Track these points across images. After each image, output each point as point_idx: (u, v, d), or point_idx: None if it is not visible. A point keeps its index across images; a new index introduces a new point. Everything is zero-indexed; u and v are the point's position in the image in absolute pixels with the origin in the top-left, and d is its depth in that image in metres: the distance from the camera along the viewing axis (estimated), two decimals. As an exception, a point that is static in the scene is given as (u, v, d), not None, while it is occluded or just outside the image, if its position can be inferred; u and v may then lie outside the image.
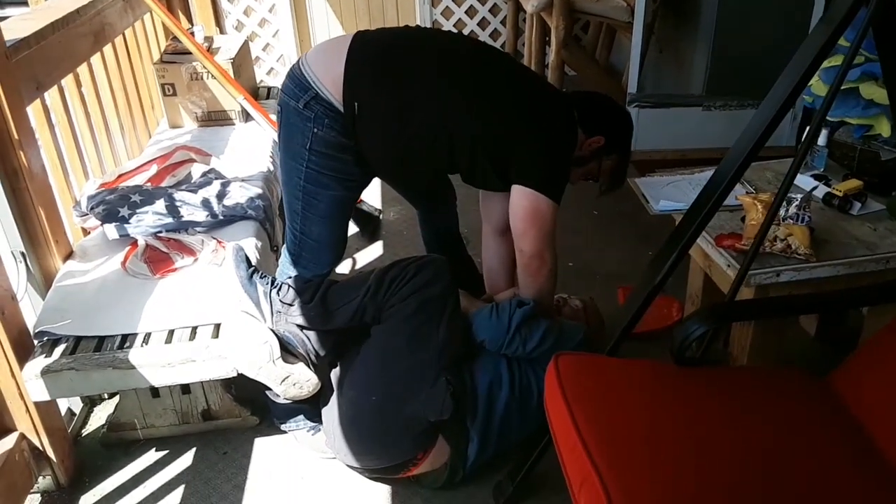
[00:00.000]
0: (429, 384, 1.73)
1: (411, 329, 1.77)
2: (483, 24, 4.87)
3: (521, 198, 1.82)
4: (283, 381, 1.79)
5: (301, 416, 1.94)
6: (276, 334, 1.81)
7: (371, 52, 1.83)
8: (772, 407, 1.41)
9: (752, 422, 1.37)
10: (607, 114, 1.97)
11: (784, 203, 1.77)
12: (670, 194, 2.14)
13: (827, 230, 1.88)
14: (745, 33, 3.42)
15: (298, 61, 1.86)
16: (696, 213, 1.49)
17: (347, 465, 1.89)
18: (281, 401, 1.88)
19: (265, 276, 1.91)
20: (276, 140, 2.12)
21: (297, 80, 1.82)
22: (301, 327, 1.87)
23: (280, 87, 1.92)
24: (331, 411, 1.85)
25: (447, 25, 4.83)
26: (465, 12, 4.80)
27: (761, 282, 1.74)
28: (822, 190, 2.02)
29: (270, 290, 1.88)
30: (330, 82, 1.78)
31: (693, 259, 2.15)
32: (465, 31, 4.82)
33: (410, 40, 1.92)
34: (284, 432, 2.00)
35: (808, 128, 2.18)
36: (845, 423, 1.40)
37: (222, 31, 3.76)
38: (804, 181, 2.07)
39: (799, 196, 1.86)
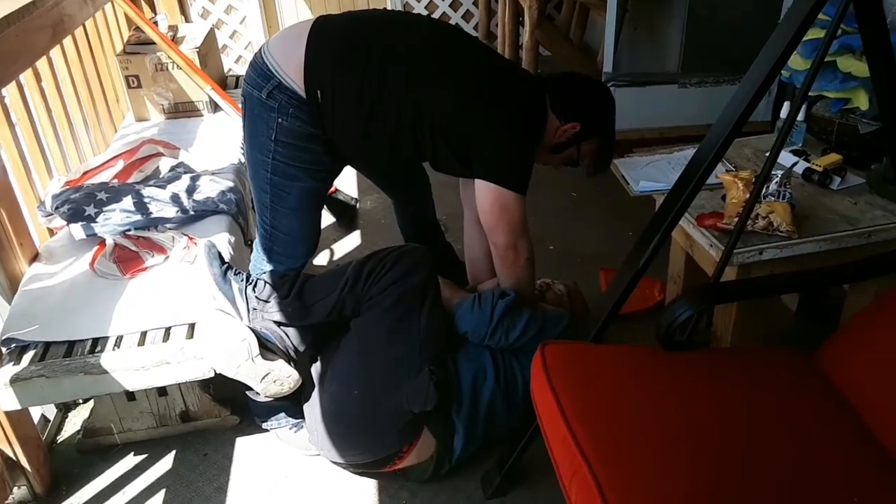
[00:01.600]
0: (411, 376, 1.71)
1: (391, 320, 1.74)
2: (455, 5, 4.80)
3: (486, 193, 1.79)
4: (263, 378, 1.76)
5: (283, 414, 1.90)
6: (253, 331, 1.77)
7: (332, 36, 1.77)
8: (761, 389, 1.40)
9: (741, 404, 1.36)
10: (583, 97, 1.91)
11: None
12: (650, 175, 2.12)
13: (808, 206, 1.86)
14: (718, 9, 3.39)
15: (260, 49, 1.80)
16: (678, 193, 1.47)
17: (332, 461, 1.86)
18: (261, 399, 1.84)
19: (239, 273, 1.86)
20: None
21: (259, 69, 1.77)
22: (279, 323, 1.82)
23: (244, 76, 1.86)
24: (312, 407, 1.82)
25: (419, 8, 4.75)
26: (437, -6, 4.73)
27: (744, 260, 1.73)
28: (801, 166, 2.01)
29: (245, 287, 1.83)
30: (292, 70, 1.73)
31: (674, 239, 2.14)
32: (437, 14, 4.76)
33: (372, 24, 1.86)
34: (266, 431, 1.96)
35: (786, 102, 2.17)
36: (834, 401, 1.39)
37: (187, 20, 3.66)
38: (783, 157, 2.05)
39: (779, 173, 1.85)
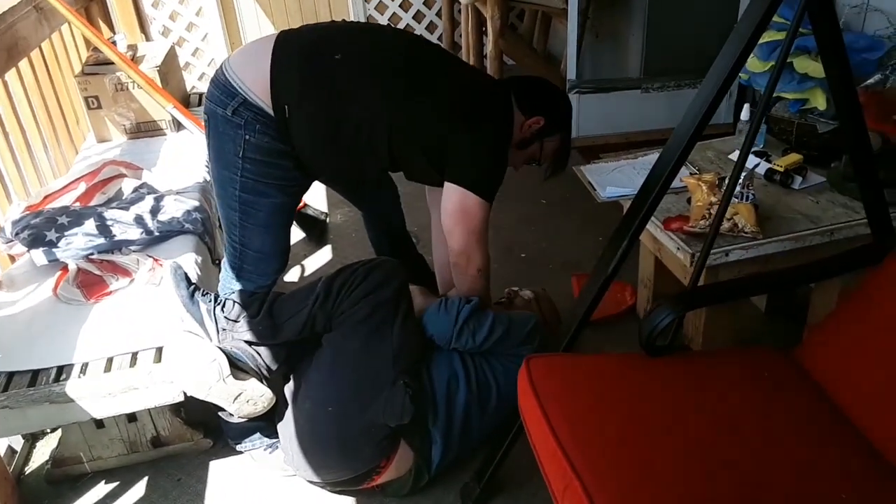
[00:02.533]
0: (386, 389, 1.69)
1: (364, 334, 1.72)
2: (418, 16, 4.81)
3: (451, 194, 1.79)
4: (236, 398, 1.73)
5: (257, 435, 1.87)
6: (223, 351, 1.74)
7: (296, 50, 1.76)
8: (745, 388, 1.41)
9: (727, 405, 1.37)
10: (545, 94, 1.95)
11: (726, 182, 1.77)
12: (616, 180, 2.14)
13: (771, 206, 1.89)
14: (677, 14, 3.46)
15: (221, 66, 1.78)
16: (643, 198, 1.47)
17: (309, 481, 1.83)
18: (234, 421, 1.81)
19: (207, 294, 1.83)
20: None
21: (222, 86, 1.74)
22: (249, 343, 1.80)
23: (205, 94, 1.84)
24: (287, 426, 1.79)
25: (381, 20, 4.75)
26: (400, 6, 4.73)
27: (711, 262, 1.75)
28: (763, 166, 2.04)
29: (214, 308, 1.80)
30: (257, 87, 1.71)
31: (643, 243, 2.15)
32: (401, 25, 4.76)
33: (337, 35, 1.84)
34: (241, 453, 1.92)
35: (745, 104, 2.21)
36: (815, 396, 1.41)
37: (148, 38, 3.62)
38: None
39: (742, 174, 1.87)
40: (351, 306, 1.72)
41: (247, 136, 1.74)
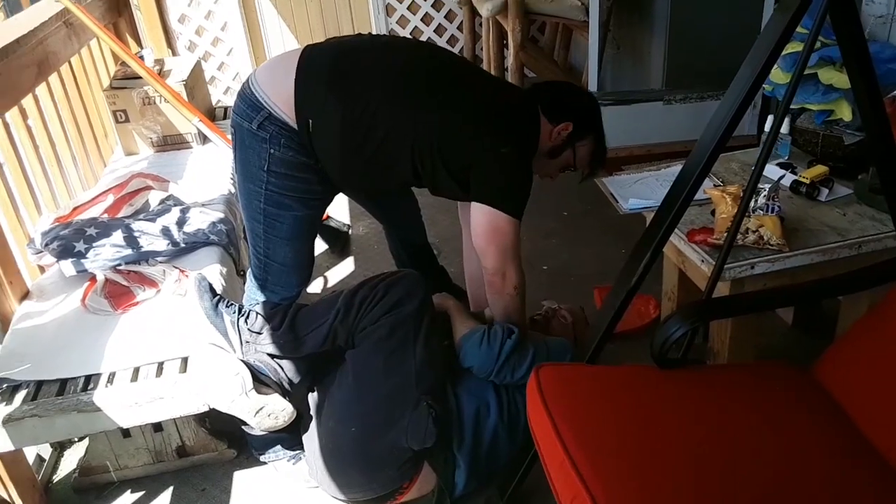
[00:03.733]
0: (409, 410, 1.66)
1: (386, 353, 1.69)
2: (440, 30, 4.84)
3: (479, 214, 1.77)
4: (258, 412, 1.73)
5: (279, 447, 1.88)
6: (246, 364, 1.75)
7: (321, 64, 1.77)
8: (760, 404, 1.39)
9: (740, 420, 1.35)
10: (571, 97, 1.92)
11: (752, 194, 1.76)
12: (639, 192, 2.13)
13: (797, 218, 1.87)
14: (698, 25, 3.45)
15: (248, 80, 1.81)
16: (666, 210, 1.47)
17: (332, 496, 1.83)
18: (257, 432, 1.82)
19: (231, 305, 1.85)
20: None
21: (248, 100, 1.77)
22: (272, 356, 1.81)
23: (232, 107, 1.87)
24: (311, 440, 1.79)
25: (403, 34, 4.79)
26: (421, 19, 4.77)
27: (736, 275, 1.73)
28: (788, 178, 2.02)
29: (238, 319, 1.82)
30: (282, 101, 1.73)
31: (667, 256, 2.14)
32: (422, 39, 4.79)
33: (361, 49, 1.86)
34: (264, 463, 1.93)
35: (769, 116, 2.19)
36: (832, 414, 1.39)
37: (174, 53, 3.67)
38: (770, 170, 2.07)
39: (767, 186, 1.86)
40: (371, 323, 1.70)
41: (272, 150, 1.76)
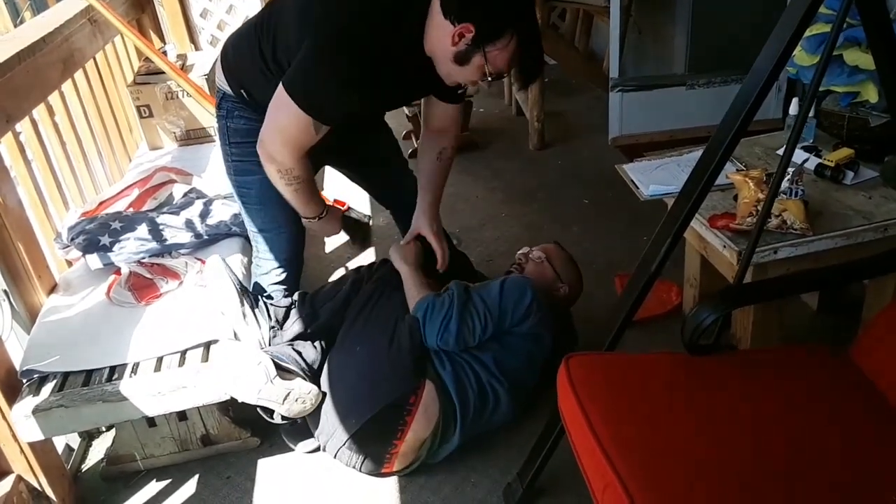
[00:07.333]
0: (400, 324, 1.87)
1: (391, 288, 2.00)
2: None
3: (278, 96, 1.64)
4: (286, 398, 1.76)
5: (312, 439, 1.93)
6: (267, 354, 1.78)
7: (243, 29, 1.86)
8: (794, 388, 1.37)
9: (775, 405, 1.33)
10: None
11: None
12: (660, 178, 2.10)
13: (821, 202, 1.84)
14: (723, 6, 3.39)
15: None
16: (687, 195, 1.45)
17: (337, 448, 1.83)
18: (286, 423, 1.85)
19: (254, 295, 1.89)
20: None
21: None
22: (291, 344, 1.85)
23: None
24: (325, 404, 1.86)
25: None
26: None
27: (759, 260, 1.70)
28: (813, 161, 1.98)
29: (262, 308, 1.88)
30: (221, 74, 1.86)
31: (688, 242, 2.12)
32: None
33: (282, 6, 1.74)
34: (292, 449, 1.97)
35: (794, 99, 2.15)
36: (870, 396, 1.37)
37: (197, 48, 3.71)
38: (794, 153, 2.03)
39: (790, 169, 1.82)
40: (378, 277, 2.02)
41: (228, 124, 1.88)
